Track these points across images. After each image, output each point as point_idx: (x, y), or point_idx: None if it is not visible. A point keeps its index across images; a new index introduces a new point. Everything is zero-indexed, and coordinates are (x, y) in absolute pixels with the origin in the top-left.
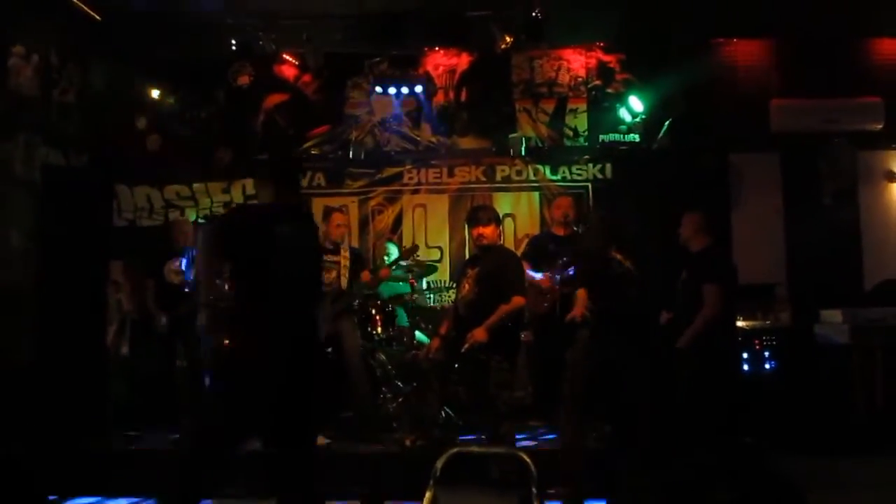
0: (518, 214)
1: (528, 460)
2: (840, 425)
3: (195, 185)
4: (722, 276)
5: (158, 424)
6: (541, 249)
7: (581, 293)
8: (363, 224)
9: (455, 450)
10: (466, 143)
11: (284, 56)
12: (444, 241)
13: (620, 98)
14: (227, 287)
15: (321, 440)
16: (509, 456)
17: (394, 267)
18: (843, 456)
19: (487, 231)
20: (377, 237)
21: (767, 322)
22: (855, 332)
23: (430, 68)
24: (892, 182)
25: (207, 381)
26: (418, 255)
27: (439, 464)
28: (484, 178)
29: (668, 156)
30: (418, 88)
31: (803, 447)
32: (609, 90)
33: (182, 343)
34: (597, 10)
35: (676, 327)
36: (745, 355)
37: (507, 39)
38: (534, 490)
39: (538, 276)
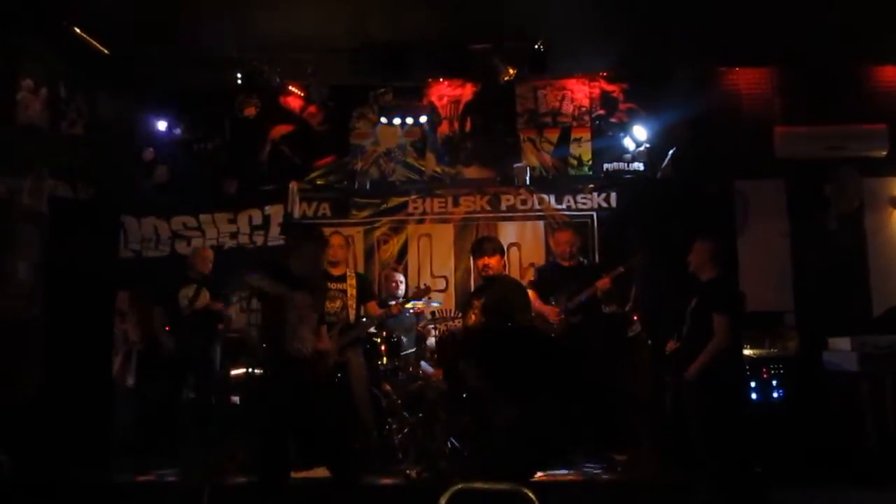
0: (523, 243)
1: (533, 497)
2: (850, 455)
3: (202, 216)
4: (731, 306)
5: (162, 456)
6: (548, 280)
7: None
8: (368, 254)
9: (459, 486)
10: (471, 172)
11: (290, 88)
12: (450, 271)
13: (624, 127)
14: None
15: (326, 471)
16: (514, 492)
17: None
18: (853, 486)
19: (493, 262)
20: (382, 267)
21: (775, 350)
22: (864, 360)
23: (434, 99)
24: None
25: None
26: (430, 298)
27: (444, 500)
28: (489, 208)
29: (673, 184)
30: (423, 119)
31: (812, 477)
32: (613, 119)
33: (193, 373)
34: (600, 41)
35: (684, 355)
36: (752, 384)
37: (511, 72)
38: None
39: (547, 308)
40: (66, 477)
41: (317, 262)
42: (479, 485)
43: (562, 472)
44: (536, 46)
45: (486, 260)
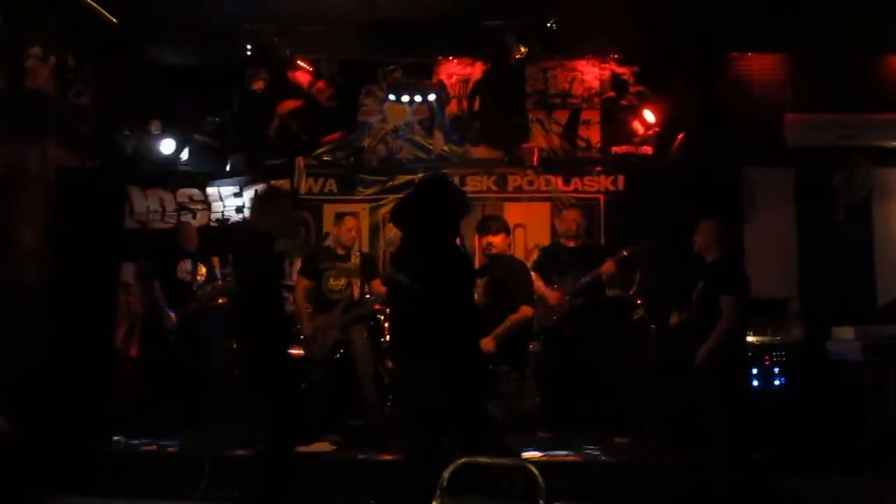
0: (529, 225)
1: (536, 472)
2: (851, 443)
3: (208, 189)
4: (738, 287)
5: (164, 427)
6: (551, 261)
7: None
8: (374, 231)
9: (463, 460)
10: (479, 152)
11: (299, 62)
12: None
13: (634, 110)
14: None
15: (328, 446)
16: (517, 467)
17: None
18: (854, 474)
19: (496, 240)
20: (388, 245)
21: (778, 338)
22: (867, 350)
23: (443, 77)
24: None
25: None
26: None
27: (446, 473)
28: (496, 188)
29: (682, 169)
30: (431, 97)
31: (813, 465)
32: (623, 102)
33: (189, 347)
34: (612, 22)
35: (691, 339)
36: (754, 371)
37: (522, 50)
38: (541, 502)
39: (549, 291)
40: (68, 445)
41: (290, 217)
42: (482, 459)
43: (561, 453)
44: (549, 25)
45: (490, 238)
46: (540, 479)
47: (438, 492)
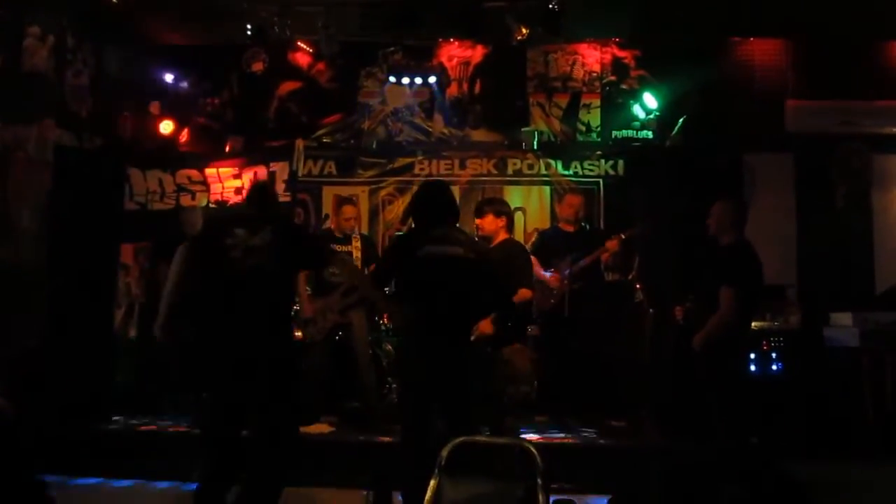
0: (529, 208)
1: (534, 451)
2: (848, 429)
3: (207, 171)
4: (741, 278)
5: (163, 408)
6: (549, 245)
7: None
8: (373, 214)
9: (461, 439)
10: (479, 135)
11: (299, 43)
12: None
13: (635, 94)
14: None
15: (325, 428)
16: (515, 447)
17: None
18: (850, 460)
19: (484, 223)
20: (387, 227)
21: (776, 323)
22: (865, 336)
23: (444, 59)
24: None
25: None
26: None
27: (444, 453)
28: (495, 172)
29: (682, 154)
30: (432, 79)
31: (810, 450)
32: (623, 86)
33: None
34: (614, 6)
35: (696, 321)
36: (752, 356)
37: (524, 31)
38: (539, 481)
39: (547, 274)
40: (67, 426)
41: None
42: (480, 438)
43: (558, 436)
44: (551, 6)
45: (478, 221)
46: (538, 458)
47: (436, 471)
